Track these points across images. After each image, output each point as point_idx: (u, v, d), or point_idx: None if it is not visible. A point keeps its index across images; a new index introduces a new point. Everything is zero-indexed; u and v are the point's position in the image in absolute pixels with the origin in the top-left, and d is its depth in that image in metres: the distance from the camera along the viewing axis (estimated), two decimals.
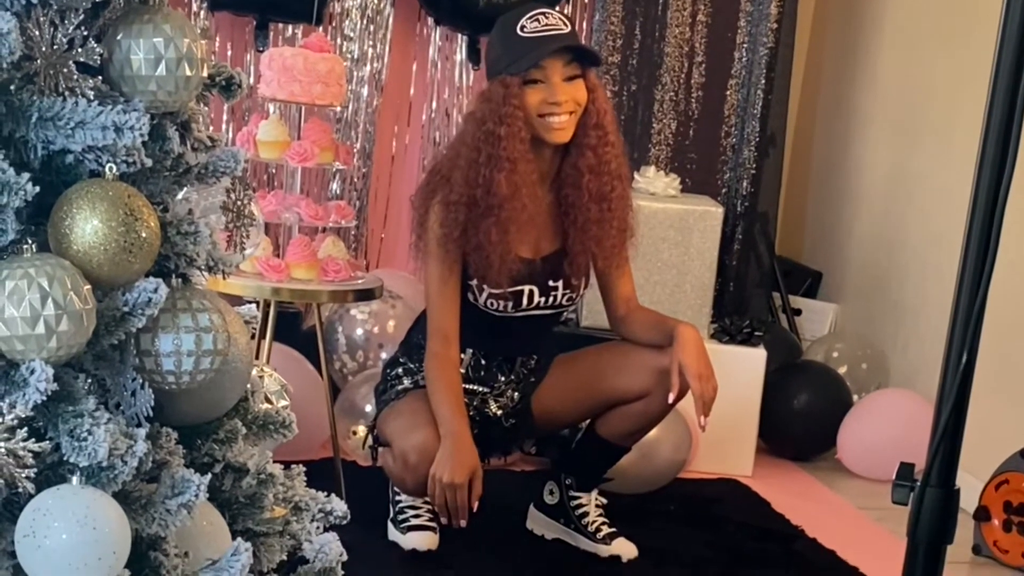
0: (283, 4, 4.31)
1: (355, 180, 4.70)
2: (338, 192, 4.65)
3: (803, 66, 5.40)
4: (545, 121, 3.08)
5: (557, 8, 3.51)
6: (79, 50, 1.60)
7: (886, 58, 5.01)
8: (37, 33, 1.57)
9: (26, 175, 1.55)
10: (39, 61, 1.58)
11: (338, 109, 4.03)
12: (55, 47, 1.59)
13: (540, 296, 3.24)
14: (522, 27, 3.06)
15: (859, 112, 5.14)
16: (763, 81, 4.85)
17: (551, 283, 3.24)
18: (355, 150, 4.58)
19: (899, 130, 4.88)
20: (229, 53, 4.54)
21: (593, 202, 3.17)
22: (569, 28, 3.12)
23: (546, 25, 3.06)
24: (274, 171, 4.44)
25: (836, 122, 5.30)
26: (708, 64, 4.89)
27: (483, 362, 3.31)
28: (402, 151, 4.82)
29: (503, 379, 3.33)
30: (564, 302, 3.30)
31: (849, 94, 5.21)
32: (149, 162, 1.68)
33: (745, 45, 4.88)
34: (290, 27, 4.54)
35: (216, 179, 1.84)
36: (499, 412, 3.31)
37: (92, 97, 1.61)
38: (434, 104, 4.80)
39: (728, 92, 4.93)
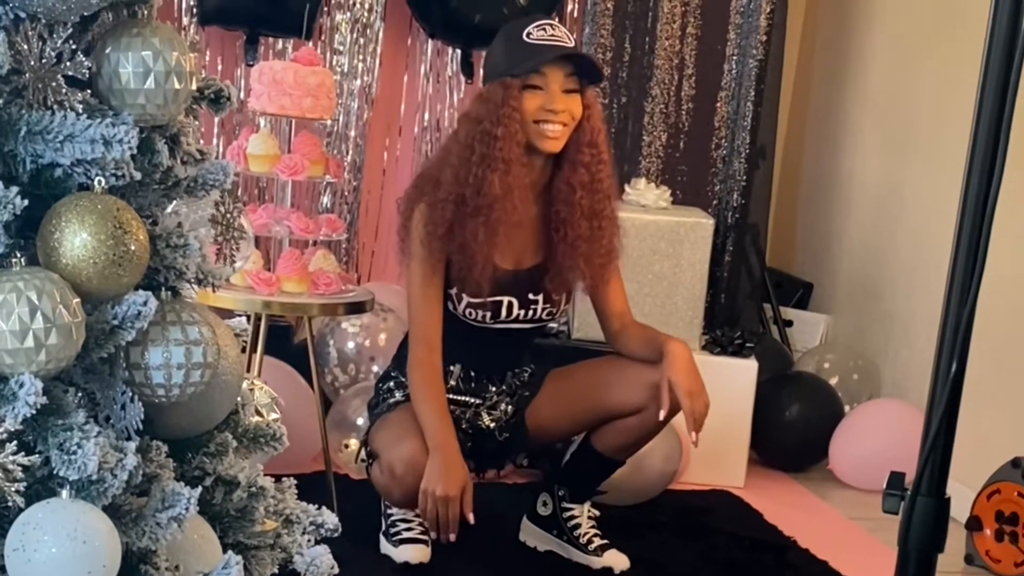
0: (273, 18, 4.31)
1: (346, 193, 4.71)
2: (328, 205, 4.65)
3: (792, 78, 5.42)
4: (540, 128, 3.09)
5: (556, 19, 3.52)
6: (68, 64, 1.60)
7: (876, 70, 5.03)
8: (26, 47, 1.58)
9: (15, 188, 1.55)
10: (28, 75, 1.58)
11: (328, 122, 4.04)
12: (44, 61, 1.59)
13: (519, 308, 3.24)
14: (528, 34, 3.08)
15: (849, 124, 5.15)
16: (753, 93, 4.86)
17: (531, 296, 3.24)
18: (346, 163, 4.59)
19: (889, 141, 4.89)
20: (219, 67, 4.54)
21: (584, 219, 3.18)
22: (573, 44, 3.15)
23: (552, 35, 3.09)
24: (265, 185, 4.45)
25: (826, 134, 5.31)
26: (698, 76, 4.90)
27: (472, 374, 3.31)
28: (393, 164, 4.83)
29: (494, 390, 3.32)
30: (543, 316, 3.29)
31: (839, 106, 5.23)
32: (138, 175, 1.68)
33: (735, 57, 4.90)
34: (280, 41, 4.54)
35: (205, 192, 1.84)
36: (492, 425, 3.31)
37: (81, 111, 1.62)
38: (426, 116, 4.81)
39: (718, 104, 4.94)
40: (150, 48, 1.63)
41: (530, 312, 3.25)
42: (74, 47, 1.62)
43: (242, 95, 4.19)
